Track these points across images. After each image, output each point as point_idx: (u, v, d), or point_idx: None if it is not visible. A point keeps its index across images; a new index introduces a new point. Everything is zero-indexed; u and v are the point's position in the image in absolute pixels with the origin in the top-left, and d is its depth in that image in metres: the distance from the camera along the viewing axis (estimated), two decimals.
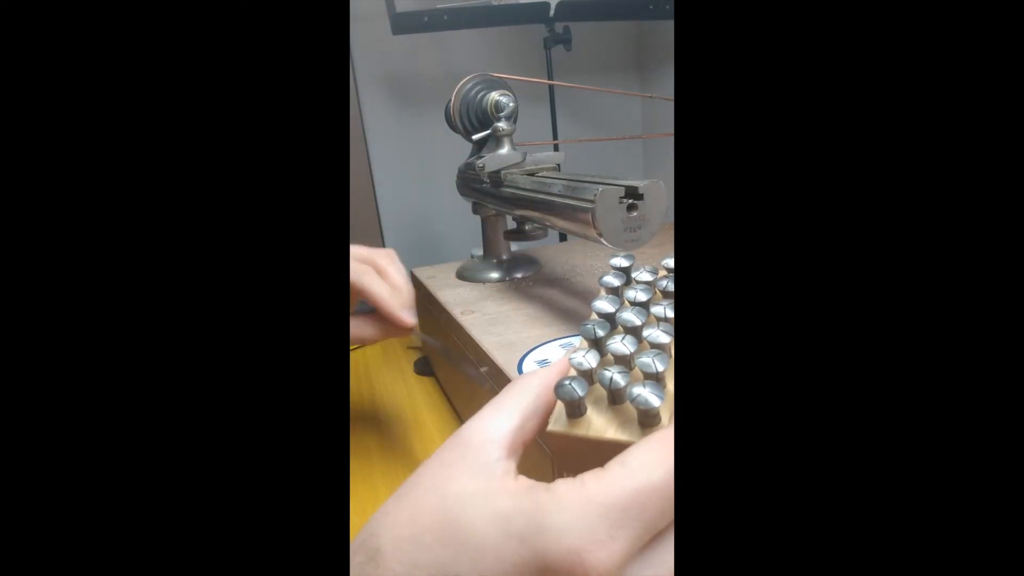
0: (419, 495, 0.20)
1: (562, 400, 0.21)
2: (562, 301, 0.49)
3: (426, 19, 0.83)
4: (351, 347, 0.45)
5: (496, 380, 0.39)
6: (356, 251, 0.46)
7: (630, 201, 0.34)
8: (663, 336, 0.22)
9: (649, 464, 0.18)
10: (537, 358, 0.38)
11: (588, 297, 0.49)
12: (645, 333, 0.22)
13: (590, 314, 0.25)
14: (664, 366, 0.20)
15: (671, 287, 0.26)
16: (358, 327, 0.45)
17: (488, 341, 0.41)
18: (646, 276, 0.27)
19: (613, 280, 0.27)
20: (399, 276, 0.45)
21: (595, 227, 0.34)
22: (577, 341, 0.39)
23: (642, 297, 0.25)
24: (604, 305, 0.25)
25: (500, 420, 0.21)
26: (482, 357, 0.41)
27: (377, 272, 0.45)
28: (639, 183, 0.34)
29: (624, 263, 0.28)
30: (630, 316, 0.23)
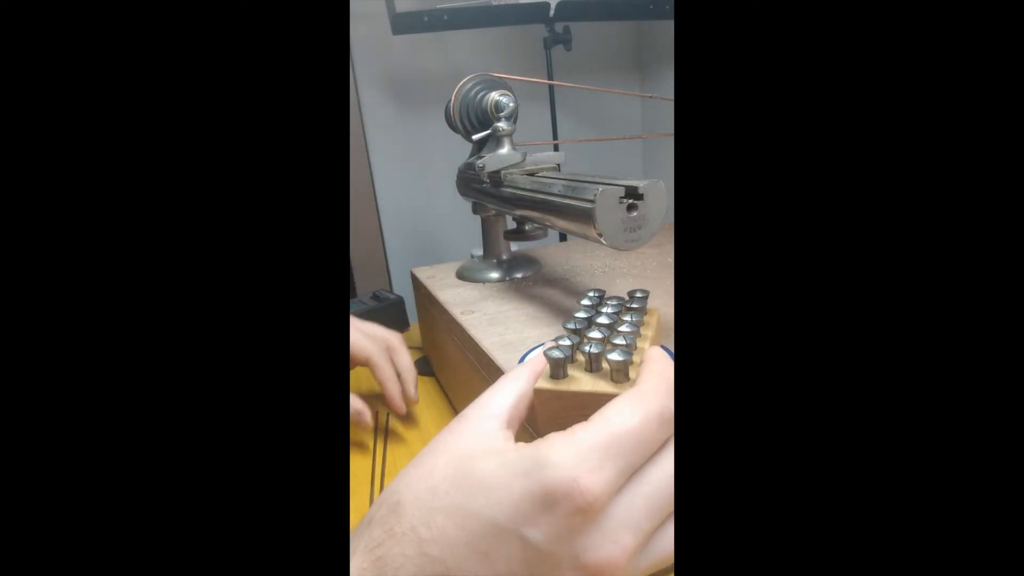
0: (433, 457, 0.23)
1: (549, 360, 0.25)
2: (562, 301, 0.49)
3: (426, 19, 0.83)
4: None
5: (496, 380, 0.39)
6: (371, 329, 0.52)
7: (630, 201, 0.34)
8: (629, 328, 0.27)
9: (625, 413, 0.21)
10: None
11: None
12: (614, 340, 0.26)
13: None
14: (631, 341, 0.25)
15: (635, 316, 0.30)
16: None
17: (488, 341, 0.41)
18: (611, 308, 0.31)
19: (583, 313, 0.31)
20: (407, 359, 0.52)
21: (595, 227, 0.34)
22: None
23: (606, 321, 0.29)
24: (580, 316, 0.30)
25: (498, 399, 0.25)
26: (482, 357, 0.41)
27: (389, 351, 0.51)
28: (639, 183, 0.34)
29: (592, 298, 0.33)
30: (603, 319, 0.28)
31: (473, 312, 0.48)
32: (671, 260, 0.57)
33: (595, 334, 0.26)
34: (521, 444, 0.22)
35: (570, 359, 0.25)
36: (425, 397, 0.59)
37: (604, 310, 0.30)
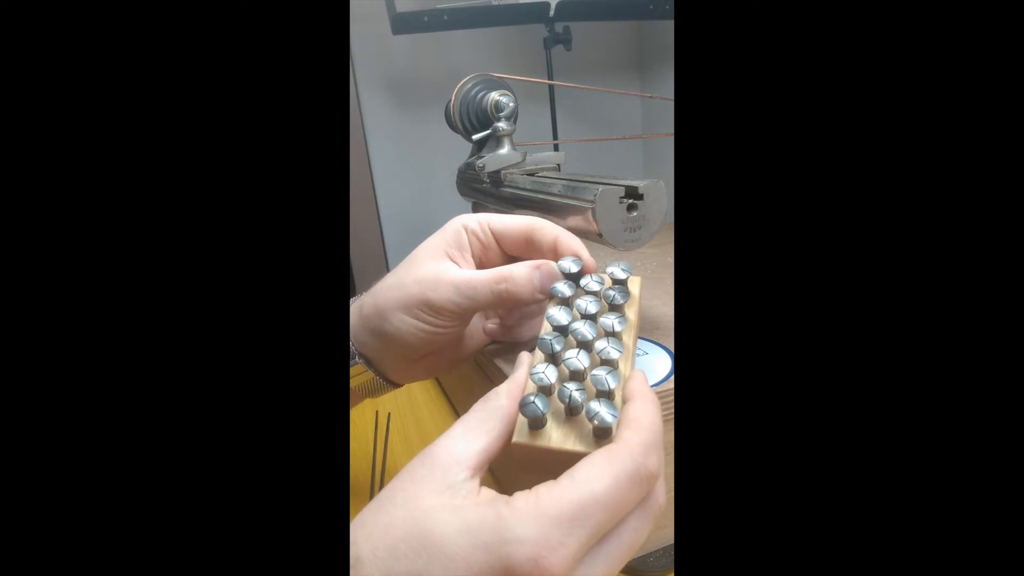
0: (393, 508, 0.21)
1: (527, 417, 0.23)
2: None
3: (426, 19, 0.83)
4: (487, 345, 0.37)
5: (496, 380, 0.39)
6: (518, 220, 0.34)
7: (630, 201, 0.34)
8: (613, 352, 0.24)
9: (594, 476, 0.20)
10: None
11: None
12: (597, 347, 0.24)
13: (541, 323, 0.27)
14: (616, 383, 0.22)
15: (618, 299, 0.28)
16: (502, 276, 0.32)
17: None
18: (594, 286, 0.28)
19: (565, 289, 0.28)
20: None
21: (595, 227, 0.34)
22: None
23: (592, 309, 0.26)
24: (558, 316, 0.26)
25: (468, 441, 0.23)
26: (482, 357, 0.41)
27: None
28: (639, 183, 0.34)
29: (573, 268, 0.29)
30: (583, 330, 0.25)
31: None
32: (671, 260, 0.57)
33: (576, 363, 0.23)
34: (483, 500, 0.21)
35: (548, 396, 0.23)
36: (425, 397, 0.59)
37: (584, 306, 0.26)
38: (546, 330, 0.26)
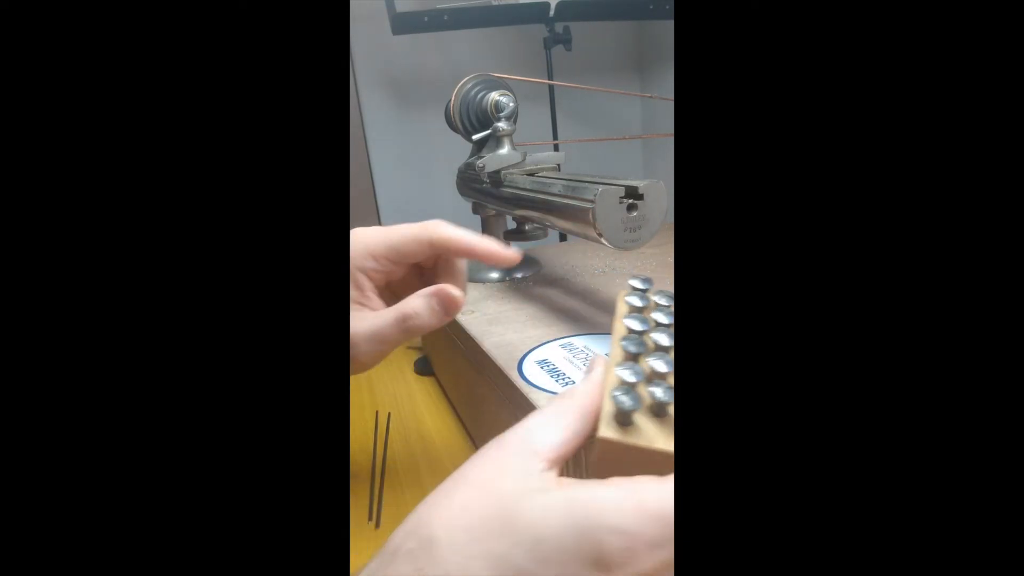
0: (469, 489, 0.20)
1: (619, 408, 0.22)
2: (562, 301, 0.49)
3: (426, 19, 0.83)
4: (410, 345, 0.40)
5: (496, 380, 0.39)
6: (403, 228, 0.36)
7: (630, 201, 0.34)
8: None
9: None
10: (537, 358, 0.38)
11: (588, 297, 0.49)
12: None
13: (613, 321, 0.27)
14: None
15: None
16: (410, 306, 0.33)
17: (488, 341, 0.41)
18: (664, 300, 0.29)
19: (637, 300, 0.28)
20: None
21: (595, 227, 0.34)
22: (577, 341, 0.39)
23: (664, 320, 0.27)
24: (634, 323, 0.26)
25: (546, 433, 0.22)
26: (482, 357, 0.41)
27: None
28: (639, 183, 0.34)
29: (642, 286, 0.30)
30: (662, 337, 0.25)
31: (473, 312, 0.48)
32: (671, 260, 0.57)
33: (659, 365, 0.23)
34: (569, 483, 0.20)
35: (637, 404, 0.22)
36: (425, 397, 0.59)
37: (658, 317, 0.27)
38: (622, 334, 0.26)
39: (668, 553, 0.18)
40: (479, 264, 0.61)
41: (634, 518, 0.18)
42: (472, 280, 0.58)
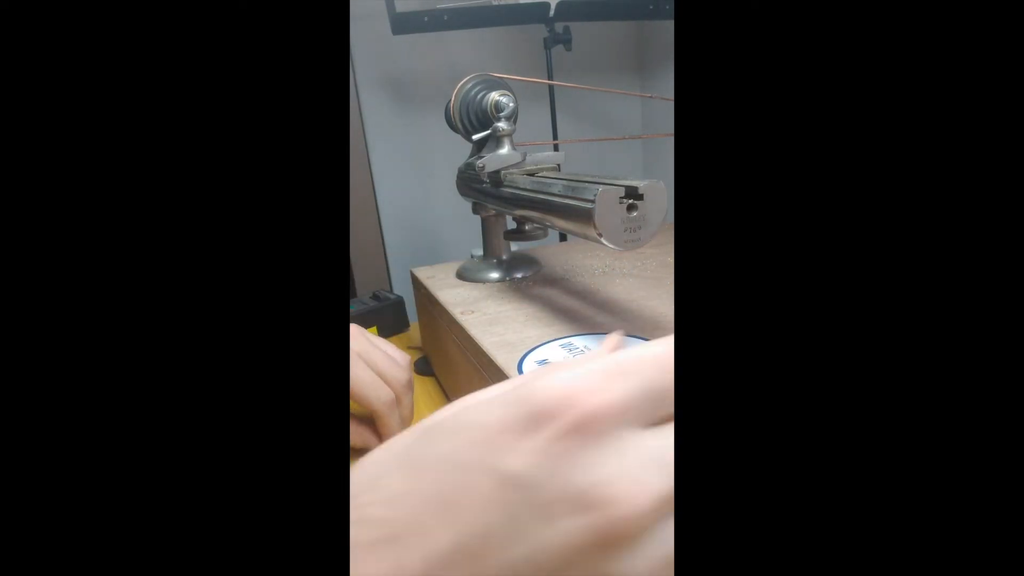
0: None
1: None
2: (562, 301, 0.49)
3: (426, 19, 0.83)
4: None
5: (496, 380, 0.39)
6: (386, 367, 0.46)
7: (630, 201, 0.34)
8: None
9: (643, 345, 0.17)
10: (537, 358, 0.38)
11: (588, 297, 0.49)
12: None
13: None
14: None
15: None
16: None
17: (488, 341, 0.41)
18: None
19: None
20: (410, 409, 0.48)
21: (595, 227, 0.34)
22: (577, 341, 0.39)
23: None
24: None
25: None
26: (482, 357, 0.41)
27: (399, 398, 0.46)
28: (639, 183, 0.34)
29: None
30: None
31: (473, 312, 0.48)
32: (671, 260, 0.57)
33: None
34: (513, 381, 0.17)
35: None
36: (425, 397, 0.59)
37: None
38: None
39: (618, 393, 0.15)
40: (479, 264, 0.61)
41: (565, 373, 0.15)
42: (472, 280, 0.58)
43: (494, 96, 0.54)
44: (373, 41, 1.00)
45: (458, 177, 0.61)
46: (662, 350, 0.16)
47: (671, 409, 0.16)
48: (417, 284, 0.62)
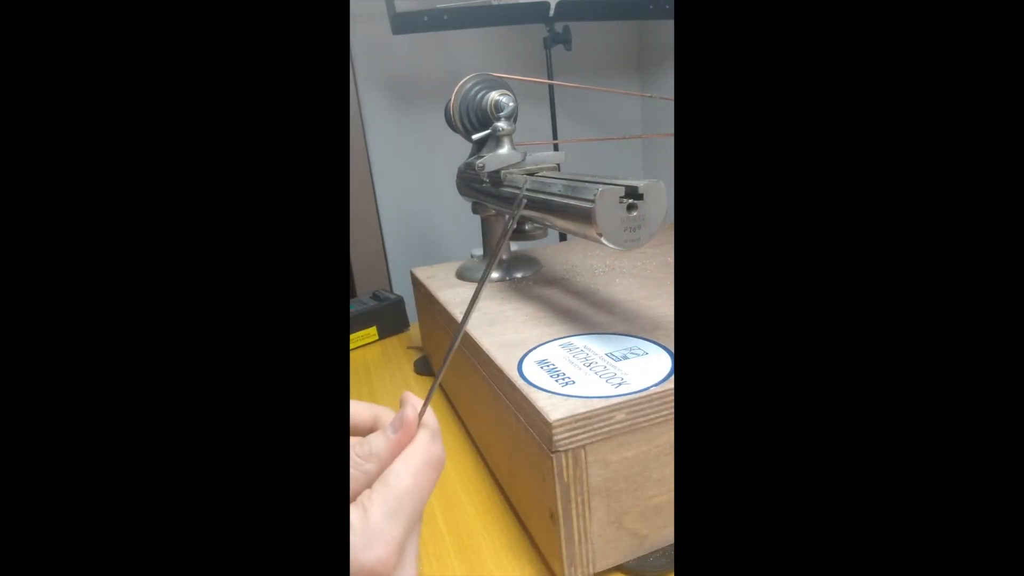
0: None
1: None
2: (562, 301, 0.49)
3: (426, 19, 0.83)
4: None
5: (496, 380, 0.39)
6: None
7: (630, 201, 0.34)
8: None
9: (401, 473, 0.24)
10: (537, 358, 0.38)
11: (588, 297, 0.49)
12: None
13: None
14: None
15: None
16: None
17: (488, 341, 0.41)
18: None
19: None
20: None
21: (595, 227, 0.34)
22: (577, 341, 0.39)
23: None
24: None
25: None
26: (482, 357, 0.41)
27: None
28: (639, 183, 0.34)
29: None
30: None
31: (473, 312, 0.48)
32: (671, 260, 0.57)
33: None
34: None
35: None
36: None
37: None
38: None
39: (398, 534, 0.22)
40: (479, 264, 0.61)
41: (362, 534, 0.22)
42: (472, 280, 0.58)
43: (494, 96, 0.54)
44: (373, 41, 1.00)
45: (458, 177, 0.61)
46: (408, 484, 0.24)
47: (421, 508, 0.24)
48: (417, 284, 0.62)
